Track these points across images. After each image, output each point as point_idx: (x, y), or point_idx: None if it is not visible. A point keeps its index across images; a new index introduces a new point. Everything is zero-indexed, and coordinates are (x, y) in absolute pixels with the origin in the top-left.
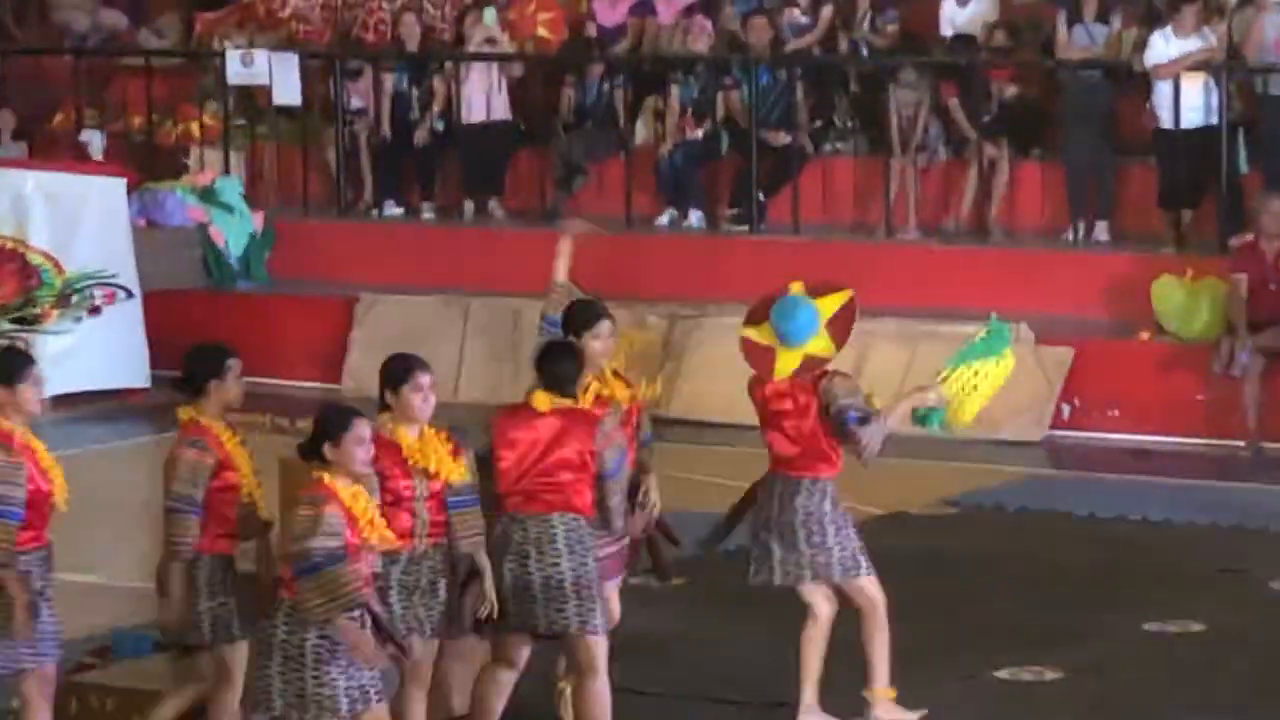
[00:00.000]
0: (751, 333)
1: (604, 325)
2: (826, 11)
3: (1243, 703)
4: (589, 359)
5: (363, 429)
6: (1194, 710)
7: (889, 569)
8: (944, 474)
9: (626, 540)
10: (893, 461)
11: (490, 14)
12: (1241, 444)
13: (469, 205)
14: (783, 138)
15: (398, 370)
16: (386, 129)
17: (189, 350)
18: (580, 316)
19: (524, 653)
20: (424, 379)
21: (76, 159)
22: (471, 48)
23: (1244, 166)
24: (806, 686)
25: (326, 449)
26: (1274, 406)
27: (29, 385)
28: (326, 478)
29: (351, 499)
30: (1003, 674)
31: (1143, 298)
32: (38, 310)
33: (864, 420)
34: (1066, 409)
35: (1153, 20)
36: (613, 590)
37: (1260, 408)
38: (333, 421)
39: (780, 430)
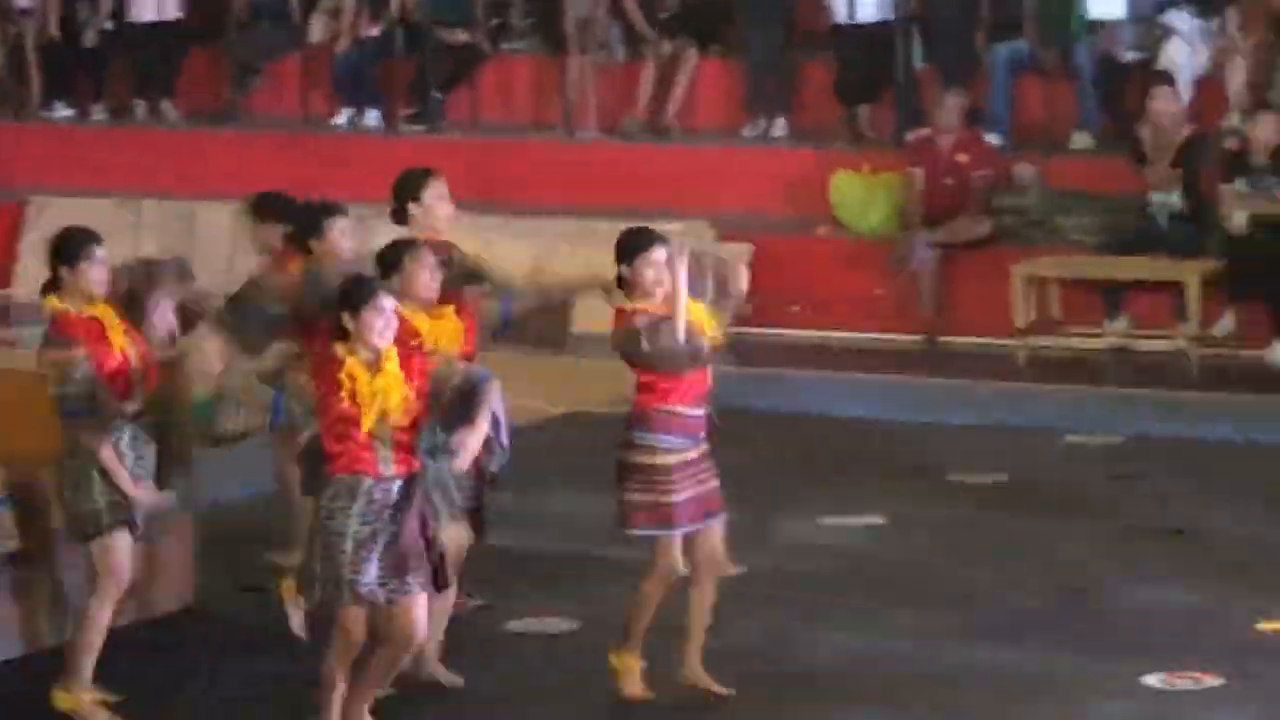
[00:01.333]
0: None
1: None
2: None
3: (918, 594)
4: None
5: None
6: (872, 604)
7: (572, 468)
8: (624, 371)
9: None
10: (570, 360)
11: None
12: (919, 338)
13: (141, 106)
14: (460, 36)
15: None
16: (55, 28)
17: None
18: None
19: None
20: (385, 302)
21: None
22: None
23: (919, 61)
24: None
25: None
26: (950, 300)
27: (91, 264)
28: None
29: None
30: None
31: (821, 193)
32: None
33: None
34: (747, 305)
35: None
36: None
37: (937, 301)
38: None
39: None
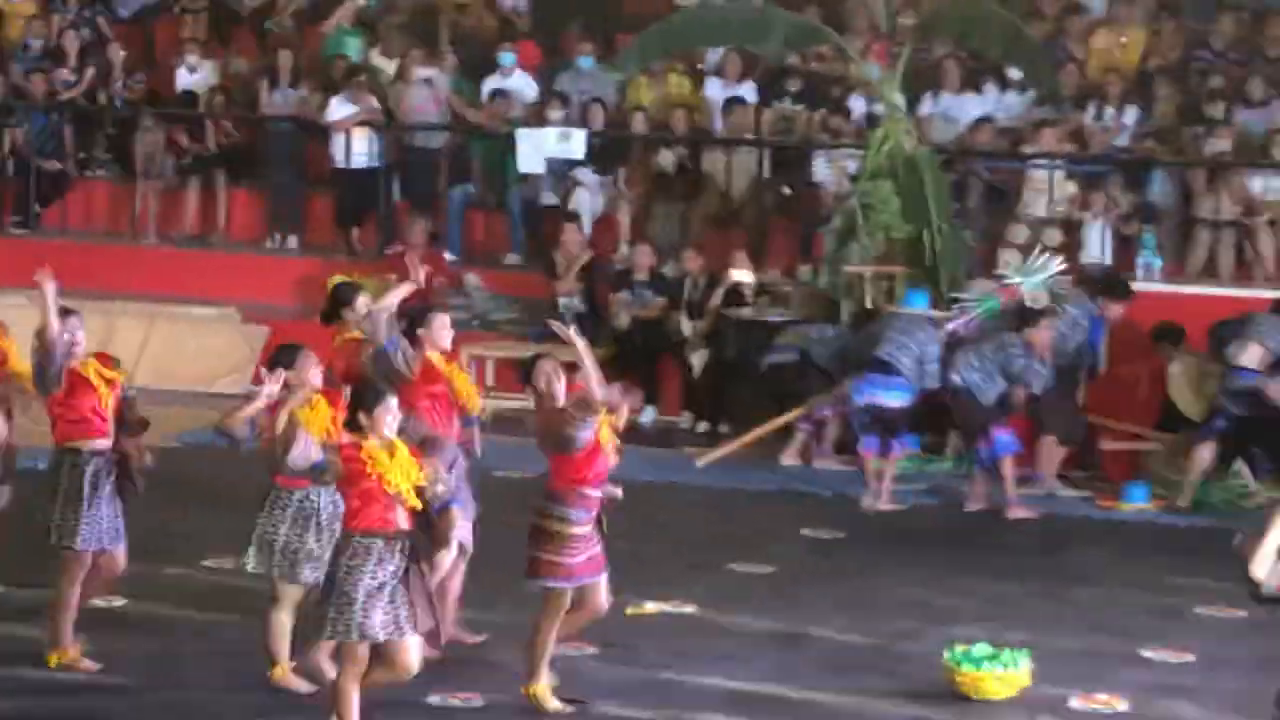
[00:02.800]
0: None
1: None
2: (89, 72)
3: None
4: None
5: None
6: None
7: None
8: (176, 416)
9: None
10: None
11: None
12: None
13: None
14: (55, 165)
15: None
16: None
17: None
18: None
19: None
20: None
21: None
22: None
23: (397, 197)
24: None
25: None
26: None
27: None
28: None
29: None
30: (209, 563)
31: (322, 290)
32: None
33: None
34: (265, 372)
35: (327, 88)
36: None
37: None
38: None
39: None
